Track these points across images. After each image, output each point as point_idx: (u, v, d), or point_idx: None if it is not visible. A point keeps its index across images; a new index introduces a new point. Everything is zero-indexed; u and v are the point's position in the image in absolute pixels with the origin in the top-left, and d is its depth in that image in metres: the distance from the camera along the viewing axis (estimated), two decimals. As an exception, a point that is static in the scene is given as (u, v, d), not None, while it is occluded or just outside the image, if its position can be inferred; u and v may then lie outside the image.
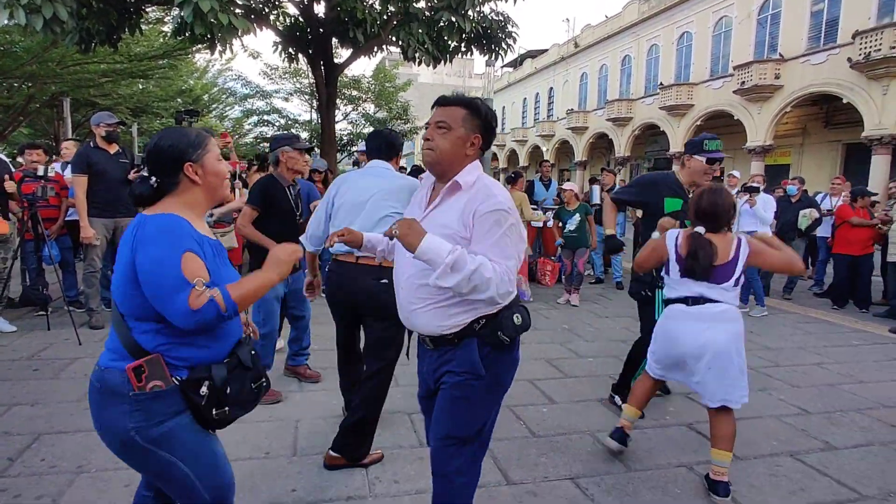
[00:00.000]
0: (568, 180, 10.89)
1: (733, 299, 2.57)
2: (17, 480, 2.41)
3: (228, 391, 1.45)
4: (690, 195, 3.22)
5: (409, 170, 8.41)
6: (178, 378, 1.41)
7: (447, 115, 1.71)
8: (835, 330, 5.74)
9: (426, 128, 1.79)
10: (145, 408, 1.37)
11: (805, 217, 7.06)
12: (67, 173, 5.33)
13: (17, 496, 2.30)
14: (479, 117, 1.72)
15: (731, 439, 2.54)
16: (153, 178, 1.46)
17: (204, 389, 1.41)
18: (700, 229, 2.58)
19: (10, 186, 4.57)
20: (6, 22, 6.02)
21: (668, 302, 2.70)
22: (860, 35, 15.32)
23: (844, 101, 16.51)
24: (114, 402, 1.38)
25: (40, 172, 4.79)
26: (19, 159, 5.53)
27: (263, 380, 1.58)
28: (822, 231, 7.68)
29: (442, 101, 1.76)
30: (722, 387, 2.51)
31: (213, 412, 1.43)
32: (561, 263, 8.04)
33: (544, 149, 34.64)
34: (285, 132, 4.11)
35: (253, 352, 1.57)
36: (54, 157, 6.37)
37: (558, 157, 34.42)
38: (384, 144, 2.89)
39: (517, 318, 1.72)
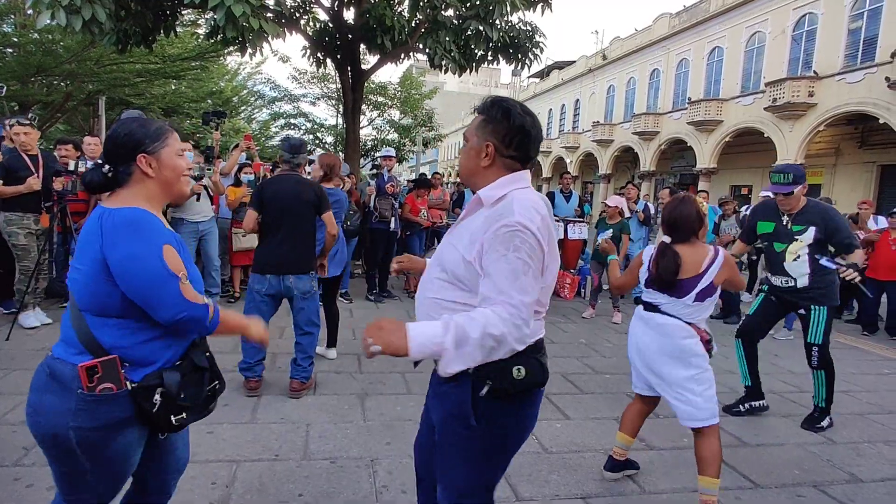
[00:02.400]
0: (591, 193, 10.76)
1: (691, 316, 2.49)
2: (31, 469, 2.45)
3: (183, 396, 1.41)
4: (784, 217, 3.60)
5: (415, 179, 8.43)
6: (132, 383, 1.36)
7: (469, 126, 1.56)
8: (864, 357, 5.54)
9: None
10: (91, 409, 1.33)
11: None
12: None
13: (29, 486, 2.33)
14: (491, 121, 1.49)
15: (714, 463, 2.41)
16: (107, 167, 1.42)
17: (157, 398, 1.37)
18: (666, 239, 2.60)
19: (58, 185, 4.64)
20: (48, 22, 6.21)
21: (636, 301, 2.82)
22: (899, 54, 14.93)
23: (881, 121, 16.08)
24: (58, 393, 1.34)
25: (71, 167, 4.91)
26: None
27: (217, 382, 1.55)
28: None
29: (473, 109, 1.60)
30: (681, 404, 2.46)
31: (173, 419, 1.40)
32: (581, 277, 7.96)
33: (568, 160, 34.45)
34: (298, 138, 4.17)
35: (207, 353, 1.54)
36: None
37: (582, 170, 34.18)
38: None
39: (518, 372, 1.41)
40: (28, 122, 4.72)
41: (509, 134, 1.48)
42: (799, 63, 19.00)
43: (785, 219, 3.60)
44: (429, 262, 1.65)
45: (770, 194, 3.69)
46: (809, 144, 18.58)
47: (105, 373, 1.32)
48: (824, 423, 3.57)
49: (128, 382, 1.36)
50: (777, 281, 3.67)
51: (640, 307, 2.68)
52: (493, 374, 1.41)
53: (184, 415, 1.43)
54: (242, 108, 24.35)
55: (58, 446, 1.35)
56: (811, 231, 3.48)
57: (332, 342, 4.39)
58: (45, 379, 1.38)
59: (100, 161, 1.44)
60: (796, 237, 3.54)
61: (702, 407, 2.42)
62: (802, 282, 3.54)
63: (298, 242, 3.47)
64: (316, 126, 21.04)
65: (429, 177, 8.78)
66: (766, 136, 19.69)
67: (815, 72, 17.99)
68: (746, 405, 3.76)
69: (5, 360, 3.81)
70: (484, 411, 1.46)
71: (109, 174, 1.42)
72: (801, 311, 3.61)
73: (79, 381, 1.32)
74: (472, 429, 1.47)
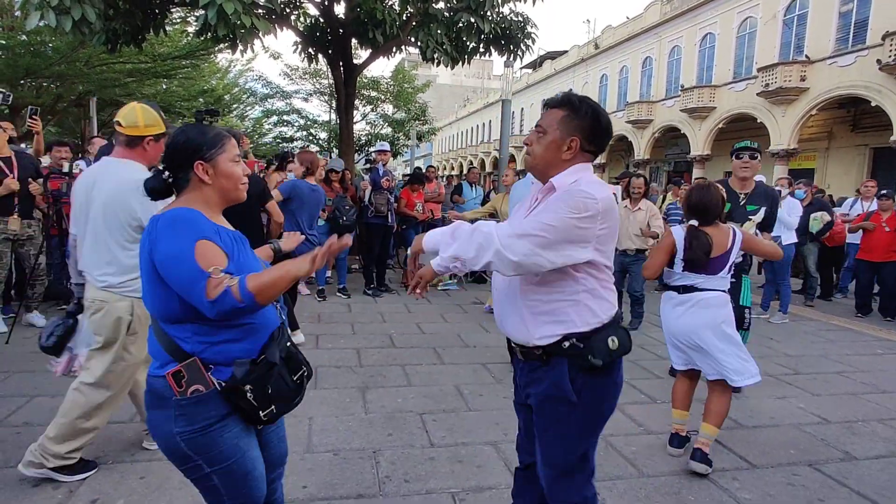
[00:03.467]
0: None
1: (725, 285, 2.83)
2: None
3: (270, 391, 1.43)
4: (741, 197, 3.75)
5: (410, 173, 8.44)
6: (221, 383, 1.39)
7: (545, 119, 1.64)
8: (858, 338, 5.60)
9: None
10: (188, 413, 1.37)
11: (816, 220, 6.92)
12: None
13: (36, 485, 2.36)
14: (578, 117, 1.59)
15: (721, 416, 2.79)
16: (166, 173, 1.46)
17: (249, 395, 1.39)
18: (694, 222, 2.81)
19: (35, 189, 4.55)
20: (37, 23, 6.17)
21: (665, 287, 2.98)
22: (890, 36, 14.96)
23: (873, 104, 16.13)
24: (160, 407, 1.40)
25: (65, 169, 4.91)
26: (43, 157, 5.62)
27: (304, 370, 1.56)
28: (852, 238, 7.48)
29: (545, 104, 1.69)
30: (719, 362, 2.75)
31: (261, 414, 1.42)
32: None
33: (563, 151, 34.48)
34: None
35: (289, 343, 1.55)
36: (80, 154, 6.50)
37: (577, 159, 34.17)
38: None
39: (612, 342, 1.56)
40: None
41: (594, 131, 1.60)
42: (790, 48, 19.01)
43: (742, 198, 3.78)
44: None
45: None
46: (802, 129, 18.63)
47: (190, 375, 1.36)
48: None
49: (216, 383, 1.38)
50: None
51: (672, 293, 2.88)
52: (594, 348, 1.54)
53: (273, 408, 1.44)
54: (234, 105, 24.22)
55: (177, 457, 1.42)
56: (762, 212, 3.70)
57: (293, 325, 4.48)
58: (150, 398, 1.44)
59: (160, 168, 1.47)
60: (750, 217, 3.71)
61: (745, 365, 2.75)
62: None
63: (248, 233, 3.57)
64: (309, 122, 20.96)
65: (423, 171, 8.79)
66: (759, 121, 19.73)
67: (806, 56, 18.01)
68: None
69: (5, 363, 3.83)
70: (581, 386, 1.58)
71: (169, 180, 1.46)
72: (732, 280, 3.77)
73: (171, 389, 1.37)
74: (573, 405, 1.58)
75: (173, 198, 1.51)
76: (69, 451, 2.37)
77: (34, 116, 4.37)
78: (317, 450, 2.79)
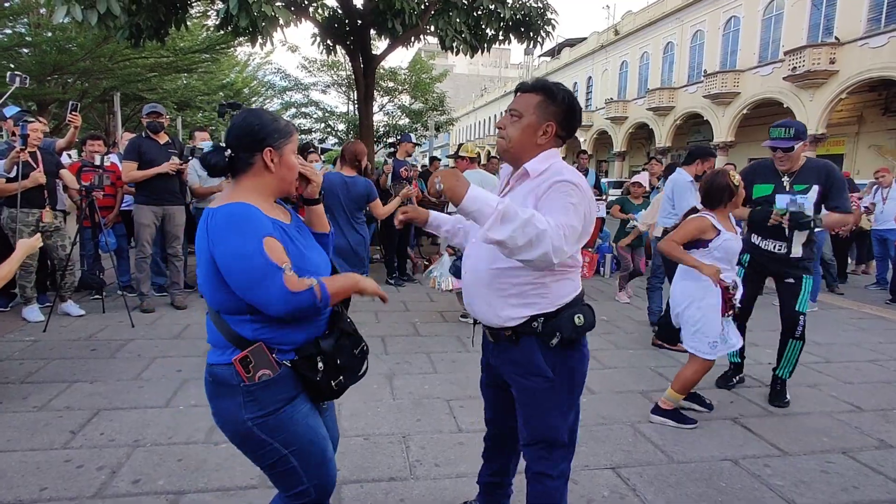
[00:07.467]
0: (605, 171, 10.63)
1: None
2: (80, 452, 2.56)
3: (339, 361, 1.46)
4: (784, 177, 3.36)
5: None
6: (287, 362, 1.40)
7: (520, 103, 1.64)
8: (891, 326, 5.47)
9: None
10: (257, 398, 1.37)
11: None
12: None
13: (79, 466, 2.44)
14: (555, 103, 1.62)
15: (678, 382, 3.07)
16: (229, 151, 1.43)
17: (320, 365, 1.42)
18: (699, 206, 3.09)
19: (32, 181, 4.44)
20: (63, 18, 6.29)
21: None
22: (924, 15, 14.45)
23: (905, 86, 15.61)
24: (227, 395, 1.39)
25: (97, 162, 5.01)
26: (72, 151, 5.73)
27: (364, 345, 1.58)
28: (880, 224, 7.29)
29: (519, 88, 1.69)
30: None
31: (332, 383, 1.44)
32: (599, 255, 7.92)
33: (582, 139, 34.07)
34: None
35: (349, 319, 1.57)
36: (108, 149, 6.63)
37: (596, 148, 33.80)
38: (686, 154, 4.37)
39: (578, 319, 1.62)
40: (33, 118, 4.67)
41: (568, 117, 1.64)
42: (819, 29, 18.47)
43: (785, 179, 3.36)
44: (473, 238, 1.75)
45: (771, 146, 3.35)
46: (831, 113, 18.14)
47: (257, 360, 1.36)
48: (788, 396, 3.46)
49: (282, 363, 1.39)
50: (769, 245, 3.42)
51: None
52: (561, 326, 1.61)
53: (341, 378, 1.47)
54: (254, 99, 24.45)
55: (252, 443, 1.41)
56: (814, 190, 3.25)
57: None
58: (213, 388, 1.43)
59: (222, 145, 1.45)
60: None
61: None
62: (797, 251, 3.32)
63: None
64: (327, 114, 21.04)
65: (441, 160, 8.78)
66: (785, 106, 19.26)
67: (836, 38, 17.48)
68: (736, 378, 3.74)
69: (44, 350, 3.96)
70: (555, 361, 1.64)
71: (230, 160, 1.44)
72: (790, 280, 3.39)
73: (237, 375, 1.36)
74: (550, 381, 1.65)
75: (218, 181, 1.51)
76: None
77: (74, 112, 4.48)
78: (347, 434, 2.83)
